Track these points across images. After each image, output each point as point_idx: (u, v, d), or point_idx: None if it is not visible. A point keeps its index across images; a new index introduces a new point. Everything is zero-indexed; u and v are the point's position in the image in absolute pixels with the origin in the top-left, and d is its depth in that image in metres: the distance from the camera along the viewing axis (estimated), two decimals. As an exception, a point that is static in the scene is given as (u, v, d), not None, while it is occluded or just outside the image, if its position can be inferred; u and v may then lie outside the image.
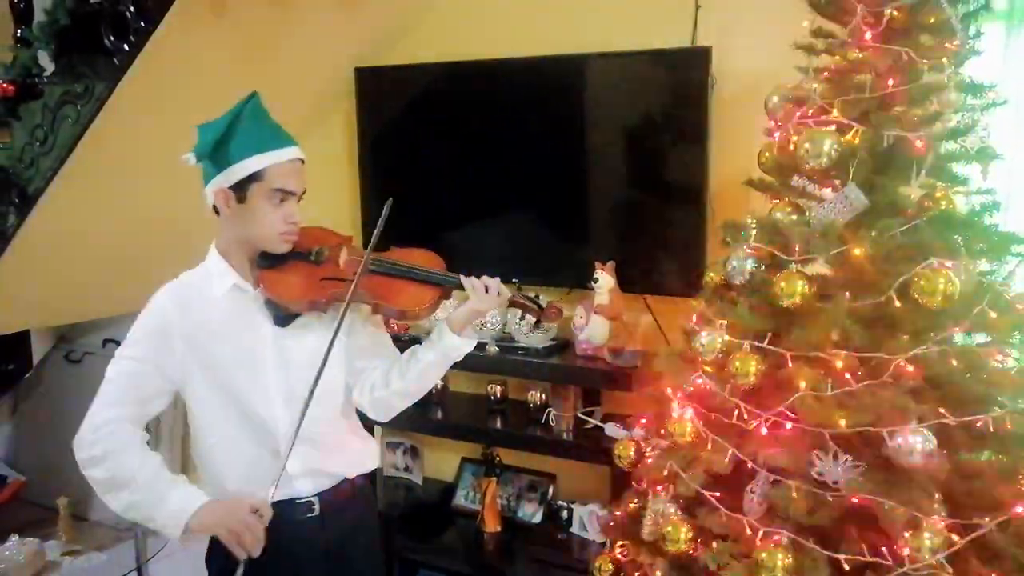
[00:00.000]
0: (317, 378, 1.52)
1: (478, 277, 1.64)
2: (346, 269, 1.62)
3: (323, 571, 1.67)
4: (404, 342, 1.79)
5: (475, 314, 1.64)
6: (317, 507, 1.65)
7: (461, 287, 1.64)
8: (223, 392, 1.59)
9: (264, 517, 1.47)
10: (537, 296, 1.76)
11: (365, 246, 1.64)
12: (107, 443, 1.50)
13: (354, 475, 1.72)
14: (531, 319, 1.78)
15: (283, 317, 1.61)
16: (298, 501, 1.64)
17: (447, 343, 1.63)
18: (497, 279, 1.66)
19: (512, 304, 1.71)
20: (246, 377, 1.59)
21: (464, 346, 1.64)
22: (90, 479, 1.53)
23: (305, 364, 1.60)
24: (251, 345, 1.60)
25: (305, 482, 1.64)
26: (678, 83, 2.50)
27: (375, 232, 1.58)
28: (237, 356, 1.59)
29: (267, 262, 1.61)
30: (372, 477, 1.83)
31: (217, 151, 1.53)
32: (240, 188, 1.53)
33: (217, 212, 1.59)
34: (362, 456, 1.76)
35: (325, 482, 1.66)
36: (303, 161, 1.60)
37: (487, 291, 1.63)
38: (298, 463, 1.58)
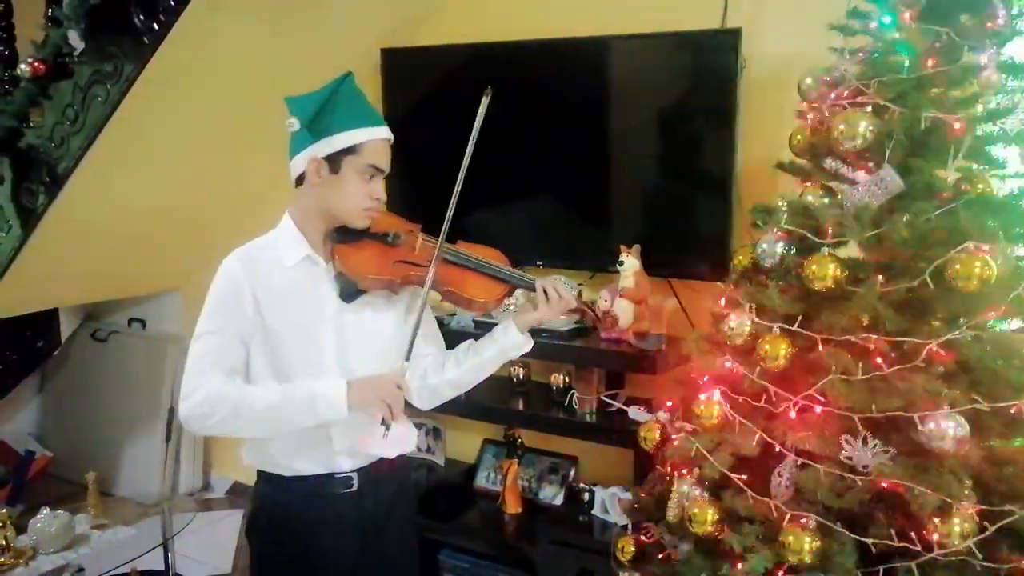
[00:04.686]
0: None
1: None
2: (420, 255, 1.67)
3: (359, 543, 1.71)
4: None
5: (541, 321, 1.70)
6: (356, 483, 1.69)
7: (528, 288, 1.71)
8: (274, 360, 1.61)
9: (403, 388, 1.59)
10: (593, 303, 1.87)
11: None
12: (223, 404, 1.53)
13: (394, 455, 1.73)
14: (587, 323, 1.87)
15: (350, 293, 1.64)
16: (337, 476, 1.67)
17: (511, 340, 1.69)
18: (564, 285, 1.71)
19: (572, 309, 1.75)
20: (301, 348, 1.62)
21: (525, 345, 1.70)
22: (233, 433, 1.58)
23: (361, 343, 1.65)
24: (313, 317, 1.63)
25: (347, 459, 1.67)
26: (707, 66, 2.47)
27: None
28: (297, 326, 1.61)
29: (343, 236, 1.64)
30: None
31: (315, 121, 1.56)
32: (334, 160, 1.56)
33: (299, 182, 1.62)
34: (402, 438, 1.76)
35: (365, 460, 1.69)
36: (390, 142, 1.64)
37: (556, 297, 1.67)
38: (344, 441, 1.63)
